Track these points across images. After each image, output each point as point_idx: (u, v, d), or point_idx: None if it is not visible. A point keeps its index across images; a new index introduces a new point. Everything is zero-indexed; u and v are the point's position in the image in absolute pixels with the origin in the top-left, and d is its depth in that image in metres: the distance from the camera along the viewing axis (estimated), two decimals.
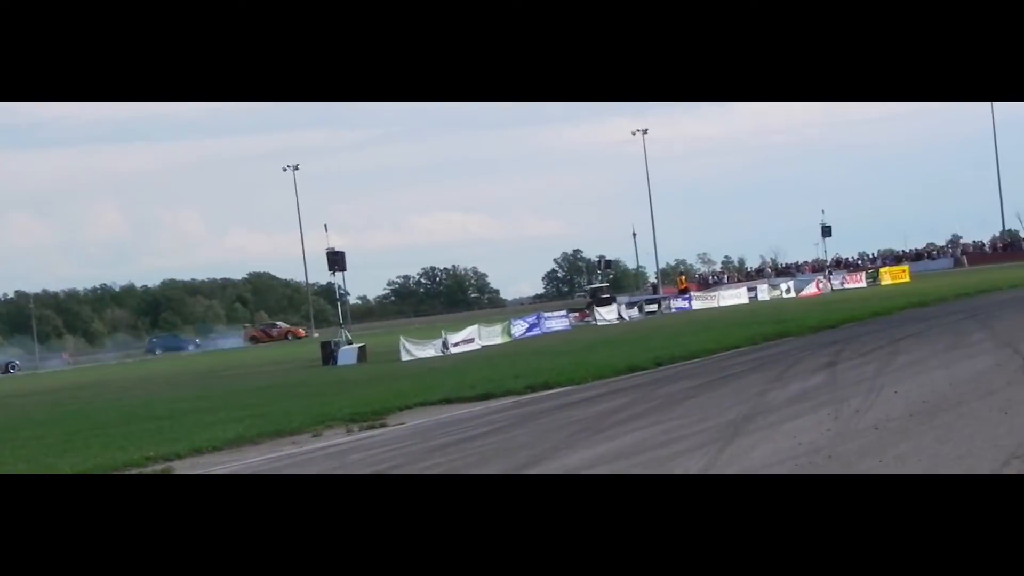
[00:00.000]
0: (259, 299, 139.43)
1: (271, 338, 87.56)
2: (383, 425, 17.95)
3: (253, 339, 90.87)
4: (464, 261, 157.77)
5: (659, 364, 23.79)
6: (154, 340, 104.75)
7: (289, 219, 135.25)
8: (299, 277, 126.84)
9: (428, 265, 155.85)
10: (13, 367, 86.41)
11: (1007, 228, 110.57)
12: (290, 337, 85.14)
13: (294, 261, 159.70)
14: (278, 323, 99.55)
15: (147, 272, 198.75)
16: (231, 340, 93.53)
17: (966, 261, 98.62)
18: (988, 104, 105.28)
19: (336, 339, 42.24)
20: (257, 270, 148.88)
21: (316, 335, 79.89)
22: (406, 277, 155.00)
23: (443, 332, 41.06)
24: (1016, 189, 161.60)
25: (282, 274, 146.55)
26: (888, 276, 72.27)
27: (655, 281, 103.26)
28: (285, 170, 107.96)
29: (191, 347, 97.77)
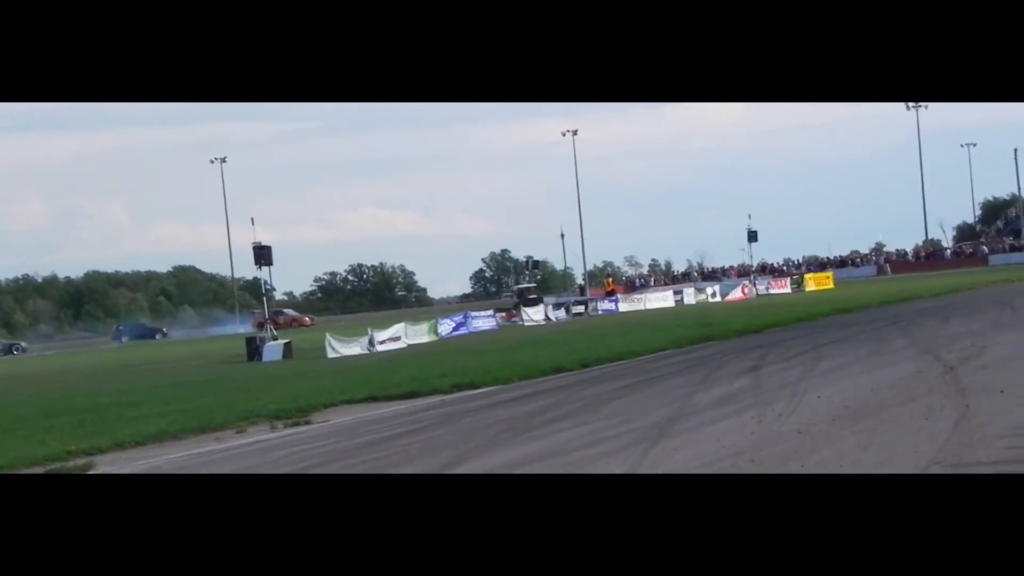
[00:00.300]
0: (183, 293, 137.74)
1: (278, 325, 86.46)
2: (307, 422, 17.82)
3: (260, 325, 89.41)
4: (392, 259, 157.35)
5: (585, 365, 23.86)
6: (120, 328, 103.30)
7: (215, 212, 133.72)
8: (225, 271, 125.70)
9: (355, 262, 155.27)
10: (17, 349, 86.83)
11: (930, 237, 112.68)
12: (295, 325, 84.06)
13: (220, 255, 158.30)
14: (284, 310, 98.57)
15: (70, 263, 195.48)
16: (243, 326, 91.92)
17: (889, 269, 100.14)
18: (914, 114, 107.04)
19: (261, 335, 41.88)
20: (182, 263, 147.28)
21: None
22: (333, 274, 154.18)
23: (369, 330, 40.86)
24: (939, 199, 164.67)
25: (207, 268, 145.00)
26: (812, 282, 73.13)
27: (582, 283, 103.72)
28: (212, 162, 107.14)
29: (158, 336, 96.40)
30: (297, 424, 17.66)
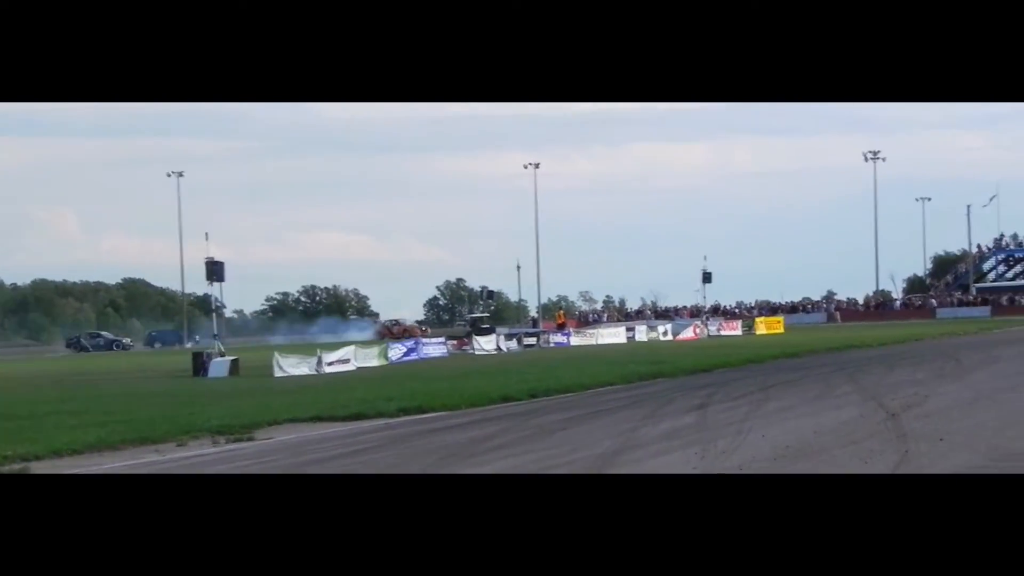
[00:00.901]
0: (132, 305, 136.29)
1: (393, 335, 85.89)
2: (250, 439, 17.66)
3: (381, 336, 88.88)
4: (346, 282, 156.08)
5: (534, 396, 23.83)
6: (153, 333, 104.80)
7: (168, 226, 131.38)
8: (175, 286, 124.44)
9: (308, 283, 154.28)
10: (119, 345, 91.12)
11: (880, 288, 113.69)
12: (406, 336, 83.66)
13: (171, 270, 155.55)
14: (399, 320, 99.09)
15: (17, 269, 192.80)
16: (365, 333, 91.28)
17: (839, 317, 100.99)
18: (871, 166, 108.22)
19: (208, 350, 41.55)
20: (132, 276, 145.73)
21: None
22: (285, 294, 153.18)
23: (318, 351, 40.65)
24: (892, 251, 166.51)
25: (158, 282, 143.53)
26: (763, 326, 73.58)
27: (536, 315, 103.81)
28: (169, 176, 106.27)
29: (189, 343, 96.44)
30: (239, 440, 17.49)
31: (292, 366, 37.99)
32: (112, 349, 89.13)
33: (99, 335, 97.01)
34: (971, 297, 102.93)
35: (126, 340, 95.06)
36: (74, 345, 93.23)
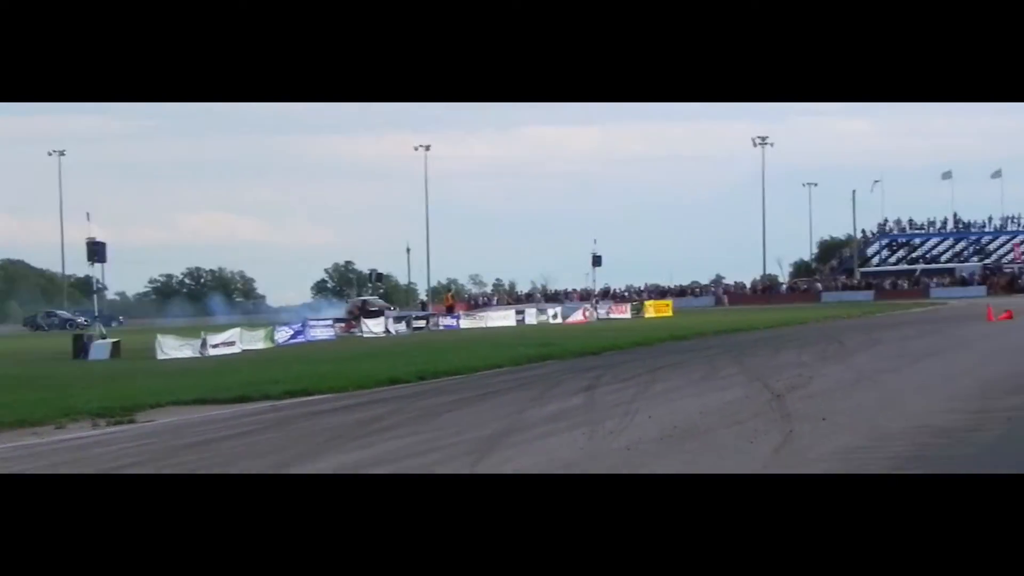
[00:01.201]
0: (10, 287, 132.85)
1: (364, 313, 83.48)
2: (131, 421, 17.28)
3: (351, 313, 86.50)
4: (231, 264, 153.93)
5: (422, 378, 23.70)
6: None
7: (49, 206, 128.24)
8: (55, 267, 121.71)
9: (193, 265, 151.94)
10: (72, 324, 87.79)
11: (767, 272, 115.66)
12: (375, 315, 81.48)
13: (50, 250, 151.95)
14: (369, 298, 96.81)
15: None
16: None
17: (727, 300, 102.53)
18: (760, 151, 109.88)
19: (89, 332, 40.67)
20: (10, 257, 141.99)
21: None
22: (169, 276, 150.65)
23: (203, 333, 40.01)
24: (779, 236, 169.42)
25: (37, 263, 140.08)
26: (652, 309, 74.36)
27: (425, 298, 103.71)
28: (50, 155, 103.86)
29: (115, 323, 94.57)
30: (120, 423, 17.09)
31: (175, 349, 37.31)
32: (66, 328, 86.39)
33: (54, 314, 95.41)
34: (855, 281, 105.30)
35: (81, 319, 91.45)
36: (31, 324, 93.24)
